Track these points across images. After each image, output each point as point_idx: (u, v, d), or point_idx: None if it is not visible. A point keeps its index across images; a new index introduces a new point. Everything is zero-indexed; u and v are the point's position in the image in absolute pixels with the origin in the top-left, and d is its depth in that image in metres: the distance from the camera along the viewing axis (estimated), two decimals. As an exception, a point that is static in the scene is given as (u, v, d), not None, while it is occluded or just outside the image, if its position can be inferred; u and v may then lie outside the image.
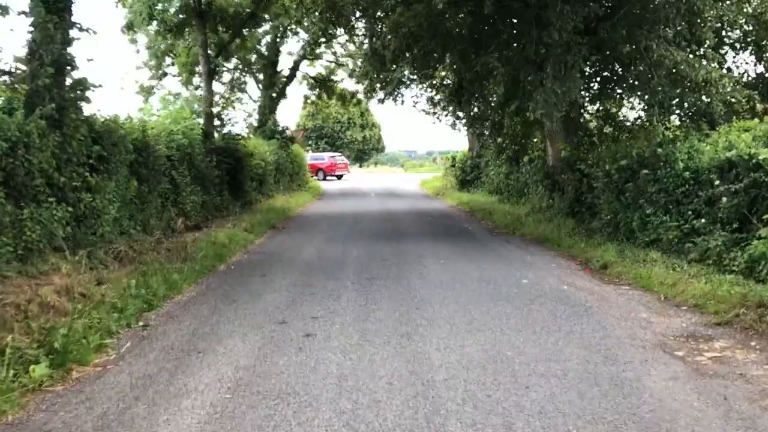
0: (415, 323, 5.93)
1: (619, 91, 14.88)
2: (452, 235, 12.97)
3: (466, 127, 21.64)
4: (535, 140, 20.34)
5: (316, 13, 18.24)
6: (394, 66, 17.79)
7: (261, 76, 29.18)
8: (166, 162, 11.74)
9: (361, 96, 33.59)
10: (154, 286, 7.01)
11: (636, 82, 13.51)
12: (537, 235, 12.51)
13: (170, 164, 11.96)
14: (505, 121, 20.05)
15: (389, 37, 15.17)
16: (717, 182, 8.33)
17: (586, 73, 13.66)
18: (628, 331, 5.73)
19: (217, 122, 16.80)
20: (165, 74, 25.79)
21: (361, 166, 70.76)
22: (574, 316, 6.22)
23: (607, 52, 13.50)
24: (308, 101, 34.48)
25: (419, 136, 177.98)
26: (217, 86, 31.68)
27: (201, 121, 16.40)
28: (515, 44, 13.09)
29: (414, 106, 30.41)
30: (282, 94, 28.75)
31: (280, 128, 27.36)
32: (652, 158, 10.01)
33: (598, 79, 14.96)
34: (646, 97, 13.09)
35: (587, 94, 14.62)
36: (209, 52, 16.37)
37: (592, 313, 6.32)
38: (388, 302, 6.78)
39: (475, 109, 20.46)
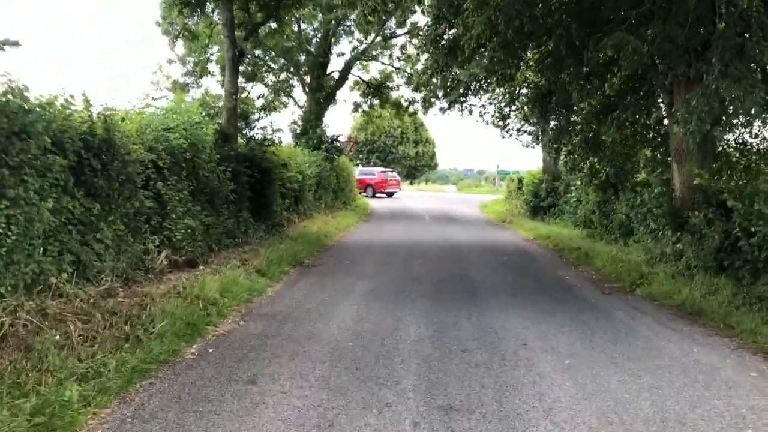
0: None
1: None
2: (551, 294, 8.99)
3: (547, 142, 17.58)
4: (642, 163, 16.24)
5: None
6: (468, 62, 14.03)
7: (308, 79, 25.89)
8: (148, 170, 8.23)
9: (418, 105, 30.11)
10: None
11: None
12: (677, 300, 8.47)
13: (156, 173, 8.46)
14: (603, 136, 16.11)
15: (469, 19, 11.36)
16: None
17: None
18: None
19: (241, 124, 13.26)
20: (205, 70, 22.74)
21: (411, 183, 67.13)
22: None
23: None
24: (359, 109, 30.98)
25: (470, 155, 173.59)
26: (258, 88, 28.77)
27: (220, 122, 12.95)
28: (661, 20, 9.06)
29: (481, 117, 26.74)
30: (331, 99, 25.35)
31: (328, 137, 23.89)
32: None
33: None
34: None
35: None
36: (236, 33, 12.93)
37: None
38: None
39: (562, 120, 16.54)
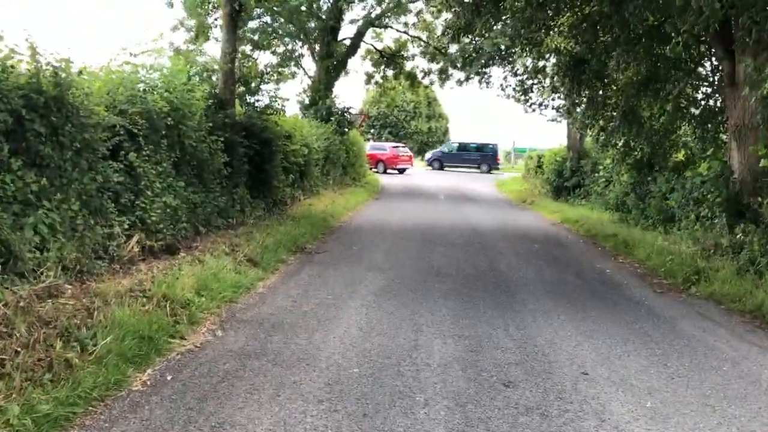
0: None
1: None
2: (597, 293, 7.55)
3: (578, 116, 15.95)
4: (683, 138, 14.66)
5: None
6: (495, 20, 12.41)
7: (317, 48, 24.22)
8: (118, 137, 6.82)
9: (434, 77, 28.41)
10: None
11: None
12: (750, 305, 7.04)
13: (128, 141, 7.04)
14: (643, 111, 14.57)
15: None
16: None
17: None
18: None
19: (241, 89, 11.78)
20: (203, 32, 21.09)
21: (423, 159, 65.50)
22: None
23: None
24: (372, 80, 29.30)
25: (483, 131, 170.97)
26: (267, 57, 27.15)
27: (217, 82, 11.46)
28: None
29: (502, 91, 25.02)
30: (342, 67, 23.71)
31: (338, 108, 22.33)
32: None
33: None
34: None
35: None
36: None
37: None
38: None
39: (597, 92, 14.97)
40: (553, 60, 15.37)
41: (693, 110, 13.80)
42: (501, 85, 24.57)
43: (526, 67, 24.50)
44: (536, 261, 9.56)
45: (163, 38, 22.28)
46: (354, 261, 8.58)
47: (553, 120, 26.30)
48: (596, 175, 18.92)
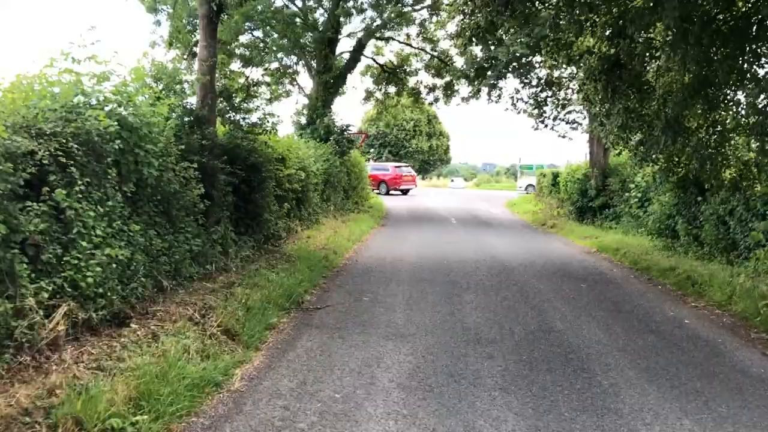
0: None
1: None
2: (696, 364, 5.53)
3: (610, 128, 13.98)
4: (738, 152, 12.73)
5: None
6: (526, 20, 10.52)
7: (314, 64, 22.41)
8: (37, 167, 4.87)
9: (439, 92, 26.60)
10: None
11: None
12: None
13: (56, 172, 5.09)
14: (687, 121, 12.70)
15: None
16: None
17: None
18: None
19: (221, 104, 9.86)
20: (180, 39, 19.18)
21: (423, 178, 63.81)
22: None
23: None
24: (372, 97, 27.48)
25: (482, 149, 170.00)
26: (259, 74, 25.48)
27: (192, 100, 9.55)
28: None
29: (513, 106, 23.21)
30: (340, 82, 21.86)
31: (337, 127, 20.48)
32: None
33: None
34: None
35: None
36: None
37: None
38: None
39: (634, 100, 13.08)
40: (580, 66, 13.48)
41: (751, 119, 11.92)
42: (512, 98, 22.96)
43: (540, 79, 22.79)
44: (594, 310, 7.55)
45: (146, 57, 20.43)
46: (366, 321, 6.57)
47: (563, 136, 24.66)
48: (627, 194, 16.97)
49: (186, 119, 8.84)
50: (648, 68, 12.61)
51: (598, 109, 13.25)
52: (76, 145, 5.37)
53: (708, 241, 11.58)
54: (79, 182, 5.32)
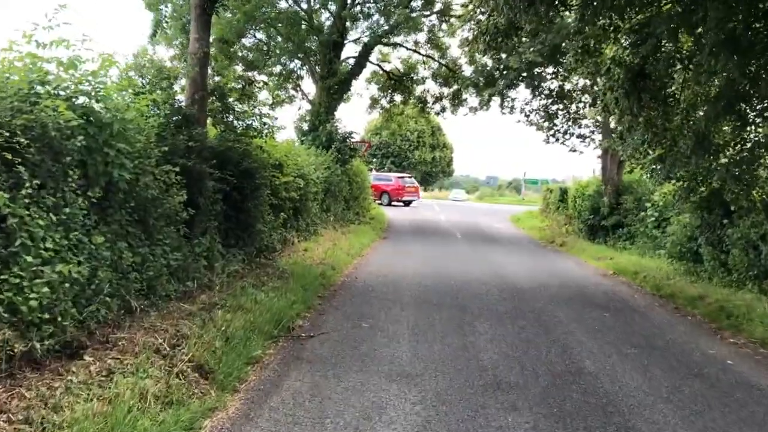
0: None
1: None
2: (756, 421, 4.64)
3: (632, 143, 13.10)
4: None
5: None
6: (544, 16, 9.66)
7: (318, 69, 21.61)
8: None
9: (446, 102, 25.80)
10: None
11: None
12: None
13: (-6, 173, 4.21)
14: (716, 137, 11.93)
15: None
16: None
17: None
18: None
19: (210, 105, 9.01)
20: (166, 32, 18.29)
21: (425, 190, 63.12)
22: None
23: None
24: (377, 105, 26.68)
25: (484, 162, 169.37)
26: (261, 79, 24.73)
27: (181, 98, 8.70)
28: None
29: (527, 118, 22.40)
30: (345, 88, 21.05)
31: (340, 134, 19.66)
32: None
33: None
34: None
35: None
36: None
37: None
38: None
39: (658, 114, 12.22)
40: (602, 75, 12.63)
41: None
42: (523, 110, 22.13)
43: (552, 91, 21.97)
44: (624, 346, 6.64)
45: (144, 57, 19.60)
46: (366, 354, 5.66)
47: (573, 150, 23.82)
48: (643, 213, 16.08)
49: (173, 118, 7.98)
50: (671, 81, 11.78)
51: (618, 121, 12.39)
52: (26, 140, 4.50)
53: (737, 267, 10.69)
54: (28, 184, 4.44)
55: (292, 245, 11.98)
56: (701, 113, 11.97)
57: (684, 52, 11.40)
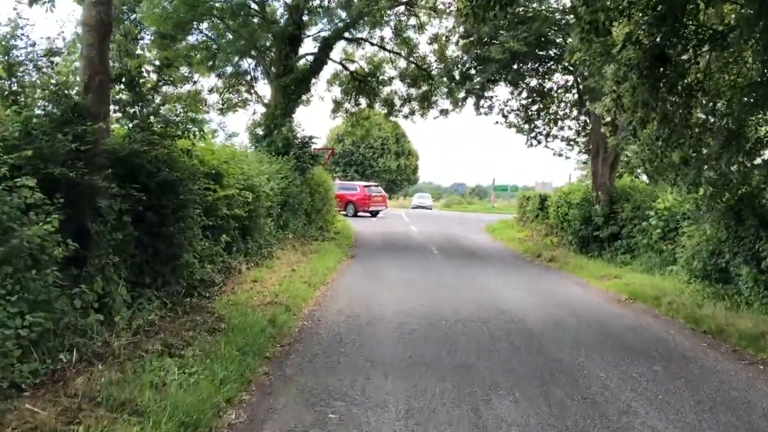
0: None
1: None
2: None
3: (648, 142, 11.03)
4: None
5: None
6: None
7: (273, 69, 19.23)
8: None
9: (415, 104, 23.68)
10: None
11: None
12: None
13: None
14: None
15: None
16: None
17: None
18: None
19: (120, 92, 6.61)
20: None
21: (389, 198, 61.09)
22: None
23: None
24: (341, 109, 24.38)
25: (449, 169, 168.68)
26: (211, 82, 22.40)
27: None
28: None
29: (505, 119, 20.40)
30: (303, 87, 18.68)
31: (298, 139, 17.36)
32: None
33: None
34: None
35: None
36: None
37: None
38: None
39: (679, 106, 10.25)
40: (613, 60, 10.58)
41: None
42: (502, 110, 20.14)
43: (533, 91, 20.07)
44: (712, 428, 4.48)
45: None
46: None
47: (559, 154, 21.98)
48: (645, 223, 14.13)
49: (51, 109, 5.56)
50: (694, 66, 9.83)
51: (631, 116, 10.35)
52: None
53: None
54: None
55: (239, 274, 9.60)
56: (726, 104, 10.15)
57: (708, 30, 9.51)
